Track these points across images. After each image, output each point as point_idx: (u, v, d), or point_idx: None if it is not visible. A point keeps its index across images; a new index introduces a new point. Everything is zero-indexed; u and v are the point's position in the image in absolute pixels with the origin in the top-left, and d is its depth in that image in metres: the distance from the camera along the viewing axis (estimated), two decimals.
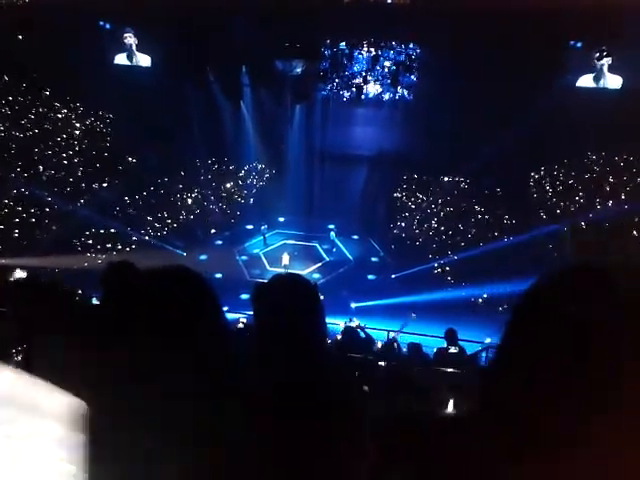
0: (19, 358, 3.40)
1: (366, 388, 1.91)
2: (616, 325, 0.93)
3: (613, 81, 20.11)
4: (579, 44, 20.26)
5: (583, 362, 0.93)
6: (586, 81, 20.37)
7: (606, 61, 19.87)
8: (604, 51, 19.73)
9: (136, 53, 21.97)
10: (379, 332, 11.11)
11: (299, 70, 23.16)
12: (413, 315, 12.94)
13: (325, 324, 1.83)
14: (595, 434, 0.91)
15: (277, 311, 1.70)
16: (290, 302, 1.71)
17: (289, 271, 17.68)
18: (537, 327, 1.03)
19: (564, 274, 1.06)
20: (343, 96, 24.35)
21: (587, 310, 0.96)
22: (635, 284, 0.98)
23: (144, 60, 22.14)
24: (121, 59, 22.10)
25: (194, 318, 1.31)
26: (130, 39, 21.71)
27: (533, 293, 1.09)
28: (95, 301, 7.48)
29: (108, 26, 21.84)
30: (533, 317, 1.06)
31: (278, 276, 1.90)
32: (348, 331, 8.61)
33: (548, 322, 1.01)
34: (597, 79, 20.23)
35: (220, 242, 23.37)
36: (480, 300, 18.64)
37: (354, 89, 23.92)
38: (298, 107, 24.54)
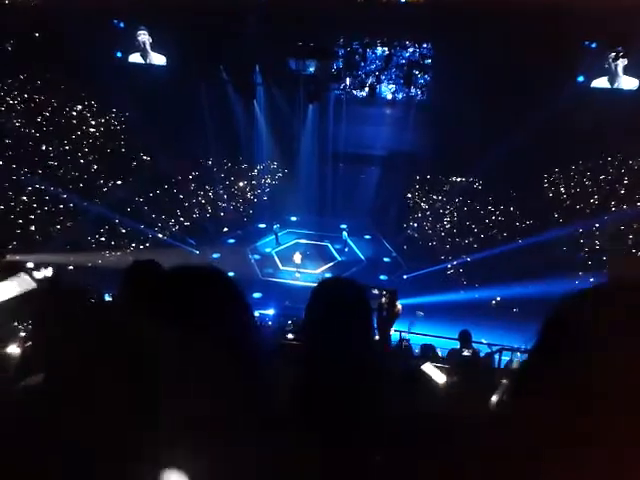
0: (29, 356, 3.43)
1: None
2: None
3: (628, 82, 19.90)
4: (594, 44, 20.05)
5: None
6: (601, 82, 20.17)
7: (622, 62, 19.66)
8: (620, 52, 19.54)
9: (150, 52, 22.08)
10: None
11: (312, 69, 23.10)
12: (420, 313, 12.78)
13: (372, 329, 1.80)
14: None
15: (334, 315, 1.67)
16: (349, 307, 1.70)
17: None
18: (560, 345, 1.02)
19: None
20: (356, 95, 24.27)
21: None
22: None
23: (158, 59, 22.25)
24: (135, 58, 22.23)
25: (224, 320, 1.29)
26: (144, 38, 21.83)
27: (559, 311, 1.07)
28: (108, 298, 7.53)
29: (123, 25, 21.96)
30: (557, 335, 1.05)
31: (332, 279, 1.87)
32: None
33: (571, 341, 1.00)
34: (612, 80, 20.02)
35: (233, 241, 23.43)
36: (493, 302, 18.51)
37: (367, 88, 23.82)
38: (311, 106, 24.47)
